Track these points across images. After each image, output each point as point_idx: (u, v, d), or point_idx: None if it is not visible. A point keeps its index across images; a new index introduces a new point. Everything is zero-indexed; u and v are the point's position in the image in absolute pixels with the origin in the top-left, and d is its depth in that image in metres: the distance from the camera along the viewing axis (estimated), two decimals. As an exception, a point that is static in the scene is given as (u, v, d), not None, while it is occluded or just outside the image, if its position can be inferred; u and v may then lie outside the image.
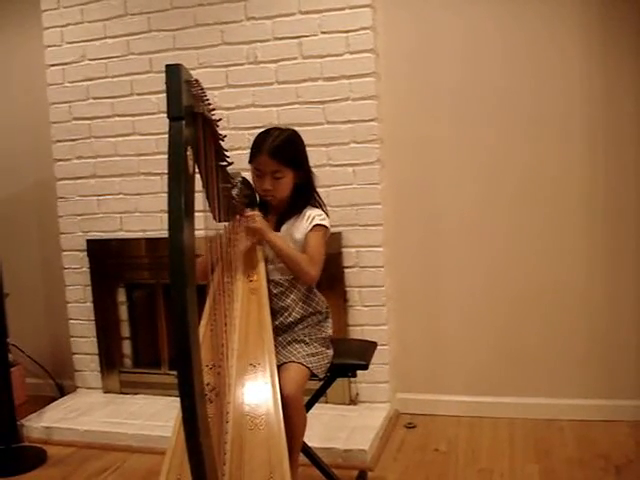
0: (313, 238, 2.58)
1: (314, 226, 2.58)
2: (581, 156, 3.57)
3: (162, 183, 3.82)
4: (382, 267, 3.71)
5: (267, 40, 3.76)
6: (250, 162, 2.60)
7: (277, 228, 2.63)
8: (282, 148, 2.55)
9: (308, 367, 2.48)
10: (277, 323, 2.57)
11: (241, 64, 3.81)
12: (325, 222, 2.61)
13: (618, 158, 3.52)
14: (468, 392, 3.81)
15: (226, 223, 2.54)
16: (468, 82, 3.67)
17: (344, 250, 3.72)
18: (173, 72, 1.68)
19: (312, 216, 2.60)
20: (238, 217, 2.53)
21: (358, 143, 3.66)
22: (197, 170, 1.93)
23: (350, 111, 3.66)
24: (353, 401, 3.80)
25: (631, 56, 3.46)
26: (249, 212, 2.50)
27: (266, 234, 2.50)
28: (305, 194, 2.66)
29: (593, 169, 3.56)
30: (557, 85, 3.55)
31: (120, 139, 4.09)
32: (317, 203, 2.68)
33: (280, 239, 2.55)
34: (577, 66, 3.53)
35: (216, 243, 2.41)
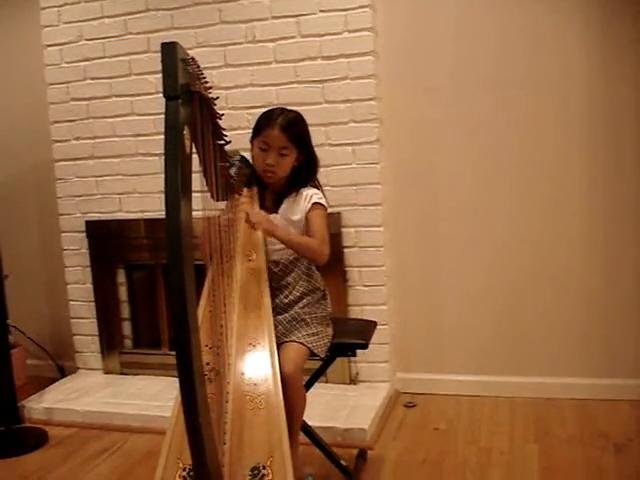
0: (316, 217, 2.58)
1: (313, 204, 2.58)
2: (580, 140, 3.55)
3: (161, 163, 3.76)
4: (382, 247, 3.71)
5: (265, 19, 3.73)
6: (256, 136, 2.59)
7: (275, 208, 2.63)
8: (294, 125, 2.57)
9: (308, 347, 2.49)
10: (277, 301, 2.57)
11: (239, 43, 3.79)
12: (322, 201, 2.61)
13: (617, 142, 3.51)
14: (468, 371, 3.82)
15: (225, 202, 2.54)
16: (468, 62, 3.65)
17: (343, 230, 3.71)
18: (169, 50, 1.66)
19: (309, 195, 2.60)
20: (236, 197, 2.51)
21: (357, 122, 3.65)
22: (194, 150, 1.92)
23: (349, 90, 3.64)
24: (353, 380, 3.81)
25: (631, 46, 3.43)
26: (252, 210, 2.47)
27: (275, 232, 2.48)
28: (303, 177, 2.65)
29: (593, 152, 3.54)
30: (556, 66, 3.53)
31: (118, 119, 4.07)
32: (314, 186, 2.68)
33: (286, 230, 2.54)
34: (575, 45, 3.50)
35: (215, 223, 2.39)
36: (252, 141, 2.62)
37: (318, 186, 2.69)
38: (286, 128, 2.54)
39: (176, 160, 1.66)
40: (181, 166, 1.66)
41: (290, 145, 2.56)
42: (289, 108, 2.66)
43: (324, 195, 2.66)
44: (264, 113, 2.62)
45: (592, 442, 3.17)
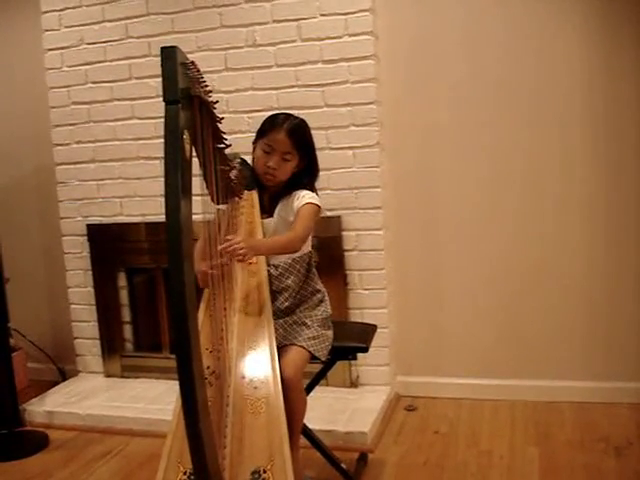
0: (300, 212, 2.56)
1: (305, 204, 2.57)
2: (583, 143, 3.55)
3: (161, 167, 3.79)
4: (382, 250, 3.71)
5: (266, 23, 3.73)
6: (260, 138, 2.59)
7: (271, 209, 2.65)
8: (300, 131, 2.58)
9: (309, 350, 2.49)
10: (277, 305, 2.57)
11: (240, 47, 3.79)
12: (315, 200, 2.59)
13: (619, 143, 3.51)
14: (468, 375, 3.82)
15: (225, 206, 2.55)
16: (469, 65, 3.65)
17: (344, 233, 3.71)
18: (169, 54, 1.67)
19: (302, 195, 2.59)
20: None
21: (357, 126, 3.65)
22: (194, 153, 1.93)
23: (349, 94, 3.64)
24: (354, 384, 3.81)
25: (631, 43, 3.43)
26: (226, 244, 2.28)
27: (259, 251, 2.46)
28: (301, 182, 2.65)
29: (595, 156, 3.54)
30: (558, 70, 3.53)
31: (119, 123, 4.08)
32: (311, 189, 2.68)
33: (266, 243, 2.54)
34: (577, 50, 3.51)
35: (214, 226, 2.40)
36: (255, 143, 2.63)
37: (313, 190, 2.68)
38: (292, 133, 2.55)
39: (176, 164, 1.67)
40: (181, 170, 1.67)
41: (293, 151, 2.56)
42: (295, 115, 2.66)
43: (318, 196, 2.65)
44: (270, 116, 2.63)
45: (592, 445, 3.17)
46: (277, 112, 2.69)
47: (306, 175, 2.66)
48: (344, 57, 3.63)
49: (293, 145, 2.55)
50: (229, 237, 2.31)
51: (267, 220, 2.62)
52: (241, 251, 2.27)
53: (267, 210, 2.65)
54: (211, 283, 2.33)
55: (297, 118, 2.63)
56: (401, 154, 3.79)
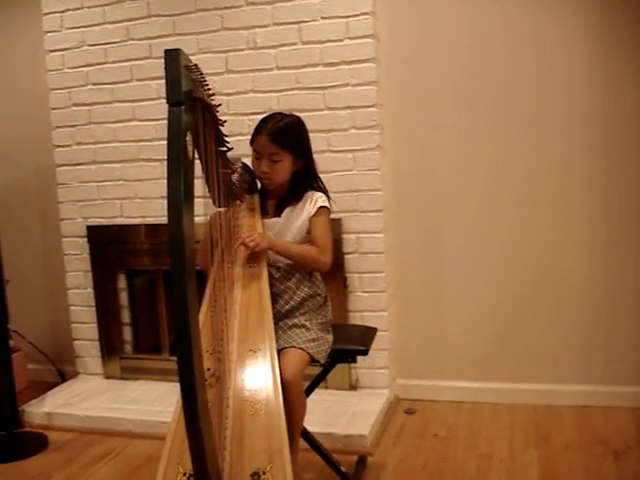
0: (319, 223, 2.58)
1: (319, 208, 2.58)
2: (583, 145, 3.56)
3: (162, 169, 3.81)
4: (382, 253, 3.71)
5: (267, 25, 3.74)
6: (251, 144, 2.59)
7: (277, 214, 2.63)
8: (282, 132, 2.55)
9: (308, 352, 2.48)
10: (278, 307, 2.57)
11: (241, 50, 3.80)
12: (325, 203, 2.61)
13: (619, 147, 3.51)
14: (468, 378, 3.82)
15: (226, 208, 2.55)
16: (470, 68, 3.66)
17: (344, 236, 3.72)
18: (172, 57, 1.68)
19: (315, 199, 2.60)
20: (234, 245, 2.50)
21: (358, 129, 3.66)
22: (197, 156, 1.93)
23: (350, 97, 3.65)
24: (353, 387, 3.81)
25: (631, 45, 3.44)
26: (243, 239, 2.44)
27: (273, 246, 2.51)
28: (305, 181, 2.65)
29: (595, 158, 3.55)
30: (559, 72, 3.54)
31: (120, 125, 4.08)
32: (318, 188, 2.68)
33: (285, 244, 2.56)
34: (577, 51, 3.51)
35: (216, 229, 2.40)
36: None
37: (323, 189, 2.68)
38: (273, 135, 2.52)
39: (179, 166, 1.67)
40: (184, 172, 1.67)
41: (280, 151, 2.54)
42: (286, 113, 2.66)
43: (329, 198, 2.66)
44: (260, 120, 2.62)
45: (591, 449, 3.17)
46: (268, 113, 2.68)
47: (307, 173, 2.65)
48: (345, 60, 3.63)
49: (278, 146, 2.53)
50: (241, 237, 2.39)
51: (273, 220, 2.62)
52: (251, 243, 2.38)
53: (272, 213, 2.65)
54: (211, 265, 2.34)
55: (286, 117, 2.60)
56: (401, 157, 3.79)
